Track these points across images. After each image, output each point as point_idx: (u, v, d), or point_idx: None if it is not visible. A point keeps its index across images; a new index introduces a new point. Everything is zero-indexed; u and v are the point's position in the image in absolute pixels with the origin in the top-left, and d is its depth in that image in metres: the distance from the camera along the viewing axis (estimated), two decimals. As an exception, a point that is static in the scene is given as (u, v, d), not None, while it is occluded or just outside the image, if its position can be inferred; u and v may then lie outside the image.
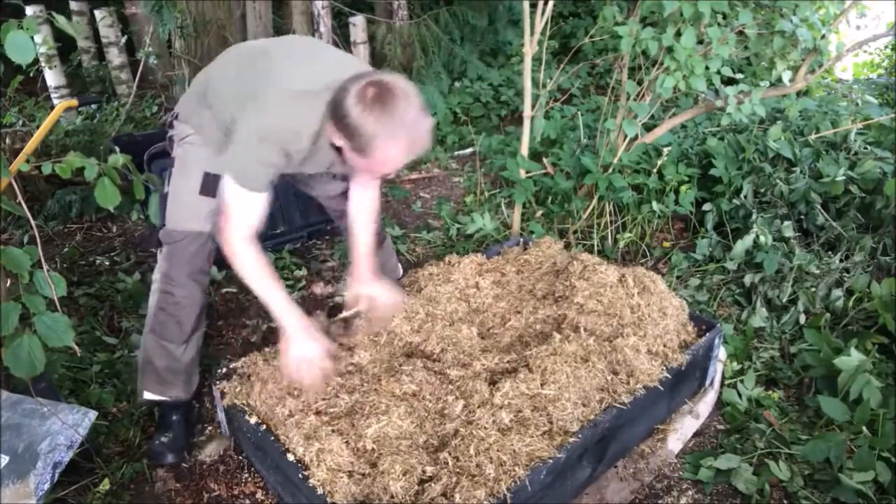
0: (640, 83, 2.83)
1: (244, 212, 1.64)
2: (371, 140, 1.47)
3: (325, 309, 2.14)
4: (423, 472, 1.55)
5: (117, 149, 2.66)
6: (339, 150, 1.62)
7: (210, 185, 1.77)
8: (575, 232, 3.02)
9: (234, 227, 1.65)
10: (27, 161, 1.52)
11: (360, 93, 1.46)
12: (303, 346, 1.73)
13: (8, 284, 1.64)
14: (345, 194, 2.04)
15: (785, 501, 1.78)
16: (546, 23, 2.72)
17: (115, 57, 5.30)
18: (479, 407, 1.72)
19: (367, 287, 1.98)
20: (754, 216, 2.77)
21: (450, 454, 1.58)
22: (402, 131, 1.48)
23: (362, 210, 1.99)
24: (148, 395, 1.92)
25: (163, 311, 1.84)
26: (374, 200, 2.00)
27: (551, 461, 1.55)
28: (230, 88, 1.73)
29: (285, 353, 1.74)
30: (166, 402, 1.93)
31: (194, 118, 1.81)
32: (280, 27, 5.12)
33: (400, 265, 2.51)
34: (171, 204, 1.82)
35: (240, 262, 1.68)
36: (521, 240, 2.57)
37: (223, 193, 1.65)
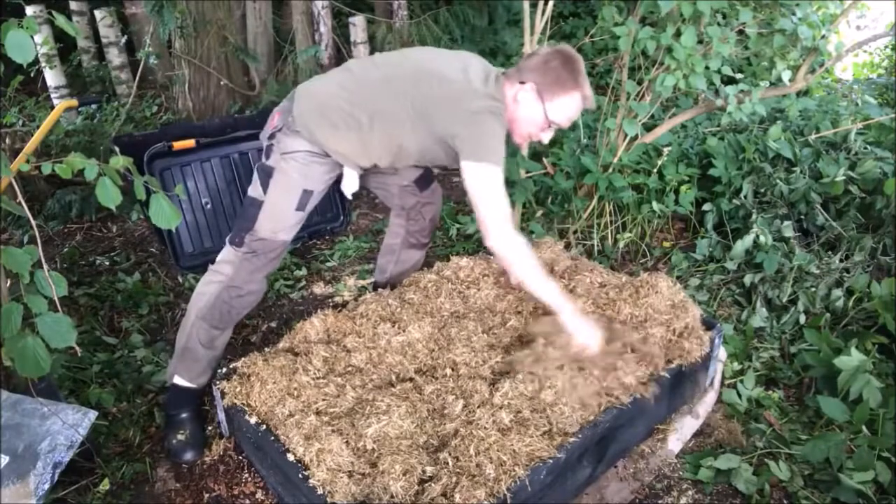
0: (640, 83, 2.83)
1: (499, 192, 1.75)
2: (559, 83, 1.78)
3: (328, 308, 2.14)
4: (423, 471, 1.55)
5: (117, 149, 2.67)
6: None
7: (304, 201, 1.90)
8: (575, 232, 3.02)
9: (499, 214, 1.74)
10: (27, 161, 1.51)
11: (549, 53, 1.80)
12: (589, 329, 1.81)
13: (8, 284, 1.64)
14: (418, 182, 2.20)
15: (785, 501, 1.78)
16: (546, 23, 2.72)
17: (115, 57, 5.31)
18: (479, 407, 1.72)
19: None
20: (754, 216, 2.77)
21: (450, 454, 1.58)
22: (583, 84, 1.79)
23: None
24: (178, 381, 1.97)
25: (225, 303, 1.91)
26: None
27: (551, 461, 1.55)
28: (408, 112, 1.81)
29: (581, 336, 1.79)
30: (190, 390, 1.98)
31: (318, 134, 1.84)
32: (280, 27, 5.13)
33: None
34: (268, 214, 1.88)
35: (515, 254, 1.77)
36: (521, 240, 2.57)
37: (474, 187, 1.75)
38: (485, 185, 1.74)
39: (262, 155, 1.94)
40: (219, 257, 1.96)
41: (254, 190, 1.92)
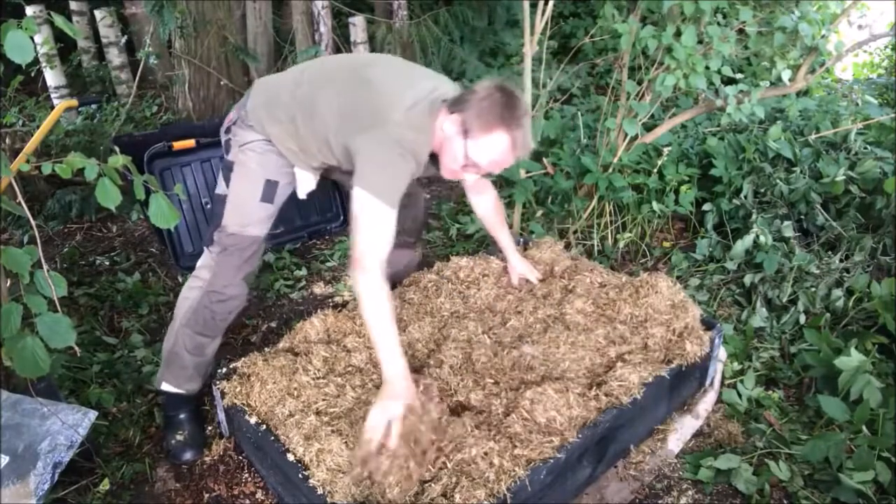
0: (640, 83, 2.83)
1: (381, 230, 1.62)
2: (483, 120, 1.62)
3: (328, 308, 2.14)
4: (423, 472, 1.55)
5: (117, 149, 2.67)
6: (433, 157, 1.77)
7: (269, 192, 1.85)
8: (575, 232, 3.02)
9: (373, 249, 1.60)
10: (27, 161, 1.51)
11: (490, 88, 1.65)
12: (395, 405, 1.53)
13: (8, 284, 1.64)
14: None
15: (785, 501, 1.78)
16: (546, 23, 2.72)
17: (115, 57, 5.30)
18: (479, 406, 1.72)
19: (527, 269, 2.26)
20: (754, 216, 2.77)
21: (450, 454, 1.58)
22: (516, 128, 1.63)
23: (490, 211, 2.19)
24: (166, 387, 1.95)
25: (207, 308, 1.88)
26: (494, 199, 2.18)
27: (551, 461, 1.55)
28: (333, 112, 1.74)
29: (374, 408, 1.54)
30: (181, 394, 1.96)
31: (268, 128, 1.82)
32: (280, 27, 5.13)
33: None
34: (232, 208, 1.85)
35: (370, 292, 1.58)
36: (522, 240, 2.57)
37: (358, 215, 1.62)
38: (370, 218, 1.61)
39: (223, 151, 1.92)
40: (198, 263, 1.94)
41: (219, 188, 1.90)
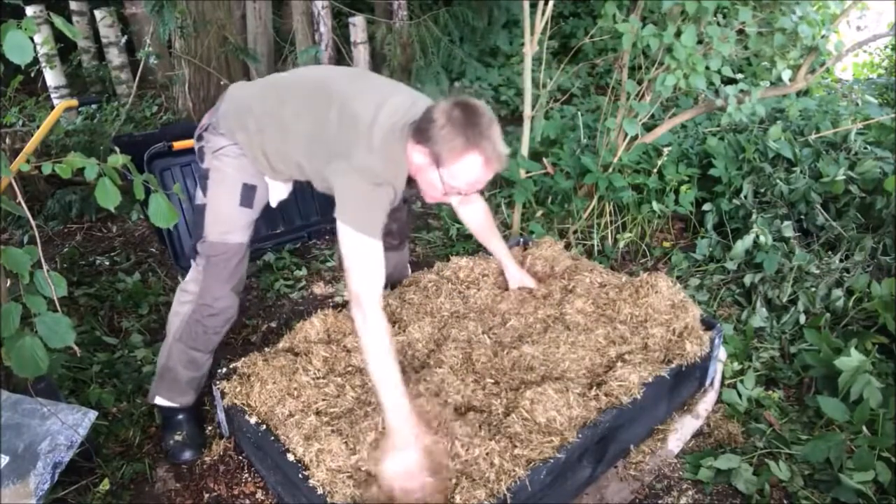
0: (640, 83, 2.83)
1: (371, 264, 1.59)
2: (451, 147, 1.54)
3: (328, 308, 2.14)
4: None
5: (117, 149, 2.67)
6: (410, 180, 1.70)
7: (248, 197, 1.80)
8: (575, 232, 3.02)
9: (368, 288, 1.57)
10: (27, 161, 1.51)
11: (447, 111, 1.55)
12: (408, 456, 1.49)
13: (8, 284, 1.64)
14: None
15: (785, 501, 1.78)
16: (546, 23, 2.72)
17: (115, 57, 5.30)
18: (479, 407, 1.72)
19: (524, 278, 2.24)
20: (754, 216, 2.77)
21: (450, 454, 1.58)
22: (485, 144, 1.55)
23: (480, 222, 2.15)
24: (160, 401, 1.94)
25: (199, 322, 1.84)
26: (484, 210, 2.14)
27: (551, 461, 1.55)
28: (303, 134, 1.70)
29: (389, 459, 1.50)
30: (174, 408, 1.95)
31: (237, 136, 1.78)
32: (280, 27, 5.13)
33: (409, 266, 2.54)
34: (212, 216, 1.81)
35: (370, 332, 1.55)
36: (522, 240, 2.57)
37: (346, 252, 1.59)
38: (358, 254, 1.59)
39: (197, 159, 1.87)
40: (186, 277, 1.91)
41: (198, 197, 1.85)
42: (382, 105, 1.65)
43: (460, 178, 1.60)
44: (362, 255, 1.59)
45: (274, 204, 1.91)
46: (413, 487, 1.46)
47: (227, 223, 1.80)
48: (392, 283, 2.34)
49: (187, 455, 1.91)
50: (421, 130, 1.58)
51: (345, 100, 1.67)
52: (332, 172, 1.64)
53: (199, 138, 1.85)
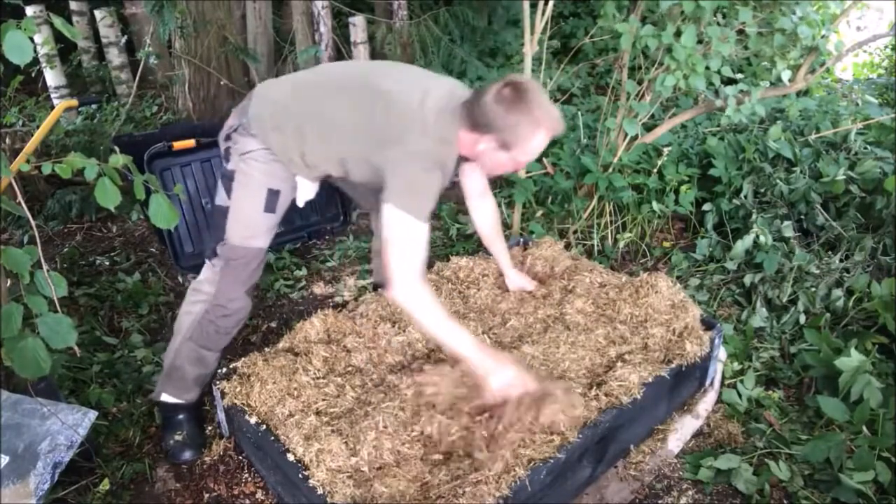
0: (640, 83, 2.83)
1: (415, 246, 1.61)
2: (518, 132, 1.62)
3: (329, 307, 2.14)
4: (424, 472, 1.55)
5: (117, 149, 2.67)
6: (463, 158, 1.75)
7: (272, 202, 1.79)
8: (575, 232, 3.02)
9: (409, 266, 1.60)
10: (27, 161, 1.51)
11: (497, 95, 1.60)
12: (503, 375, 1.62)
13: (8, 284, 1.64)
14: None
15: (785, 501, 1.78)
16: (546, 23, 2.72)
17: (115, 57, 5.30)
18: (479, 406, 1.72)
19: (523, 281, 2.23)
20: (754, 216, 2.77)
21: (451, 454, 1.58)
22: (543, 118, 1.62)
23: (490, 223, 2.16)
24: (165, 398, 1.94)
25: (211, 322, 1.84)
26: (494, 208, 2.15)
27: (551, 461, 1.55)
28: (350, 127, 1.71)
29: (490, 389, 1.62)
30: (179, 404, 1.95)
31: (270, 137, 1.75)
32: (280, 27, 5.13)
33: None
34: (235, 220, 1.80)
35: (419, 306, 1.61)
36: (522, 240, 2.57)
37: (390, 232, 1.61)
38: (403, 236, 1.61)
39: (222, 159, 1.85)
40: (200, 276, 1.90)
41: (219, 198, 1.84)
42: (427, 91, 1.69)
43: (529, 154, 1.69)
44: (409, 237, 1.61)
45: (301, 204, 1.90)
46: (528, 389, 1.60)
47: (251, 228, 1.80)
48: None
49: (187, 455, 1.91)
50: (478, 119, 1.63)
51: (389, 90, 1.69)
52: (385, 159, 1.65)
53: (227, 138, 1.82)
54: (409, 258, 1.60)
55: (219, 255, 1.82)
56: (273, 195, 1.79)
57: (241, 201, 1.79)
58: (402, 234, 1.60)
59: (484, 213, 2.16)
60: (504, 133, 1.62)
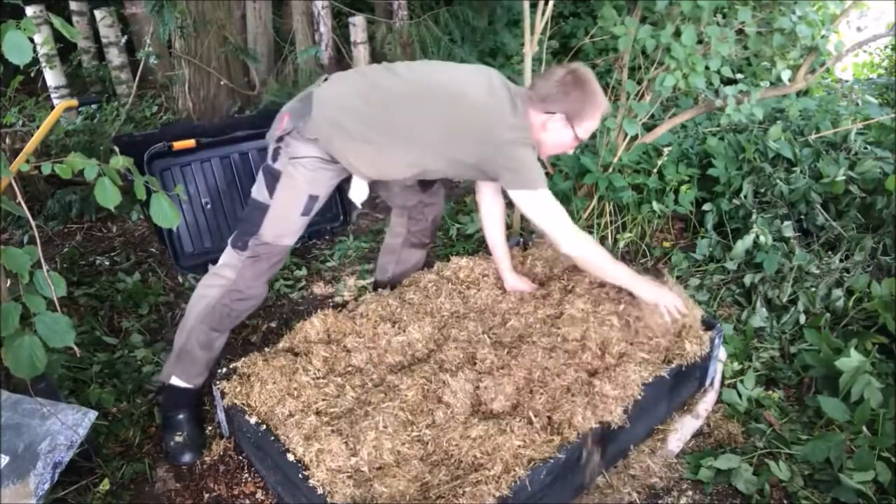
0: (639, 83, 2.83)
1: (556, 208, 1.87)
2: (585, 112, 1.87)
3: (329, 307, 2.14)
4: (423, 471, 1.55)
5: (117, 149, 2.66)
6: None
7: (310, 207, 1.90)
8: (575, 232, 3.02)
9: (567, 226, 1.88)
10: (27, 161, 1.51)
11: (568, 80, 1.85)
12: (663, 294, 1.96)
13: (8, 284, 1.64)
14: (421, 181, 2.18)
15: (785, 501, 1.78)
16: (546, 23, 2.72)
17: (115, 57, 5.30)
18: (479, 407, 1.72)
19: (521, 283, 2.26)
20: (754, 216, 2.77)
21: (450, 454, 1.58)
22: (602, 101, 1.89)
23: (495, 221, 2.23)
24: (175, 381, 1.97)
25: (226, 306, 1.90)
26: (501, 208, 2.24)
27: (551, 461, 1.55)
28: (438, 134, 1.83)
29: (656, 304, 1.95)
30: (187, 390, 1.97)
31: (337, 144, 1.82)
32: (280, 27, 5.13)
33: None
34: (273, 219, 1.87)
35: (593, 254, 1.92)
36: (521, 240, 2.57)
37: (535, 210, 1.87)
38: (545, 208, 1.86)
39: (269, 157, 1.89)
40: (221, 260, 1.95)
41: (259, 193, 1.89)
42: (491, 84, 1.88)
43: (589, 132, 1.93)
44: (550, 205, 1.87)
45: (359, 204, 2.01)
46: (675, 301, 1.95)
47: (286, 228, 1.89)
48: (393, 284, 2.35)
49: (187, 457, 1.92)
50: (547, 101, 1.86)
51: (464, 94, 1.85)
52: (484, 154, 1.84)
53: (279, 140, 1.87)
54: (560, 221, 1.88)
55: (249, 247, 1.88)
56: (312, 200, 1.89)
57: (283, 203, 1.87)
58: (545, 208, 1.87)
59: (492, 209, 2.21)
60: (574, 108, 1.85)
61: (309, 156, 1.84)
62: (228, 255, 1.93)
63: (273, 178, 1.86)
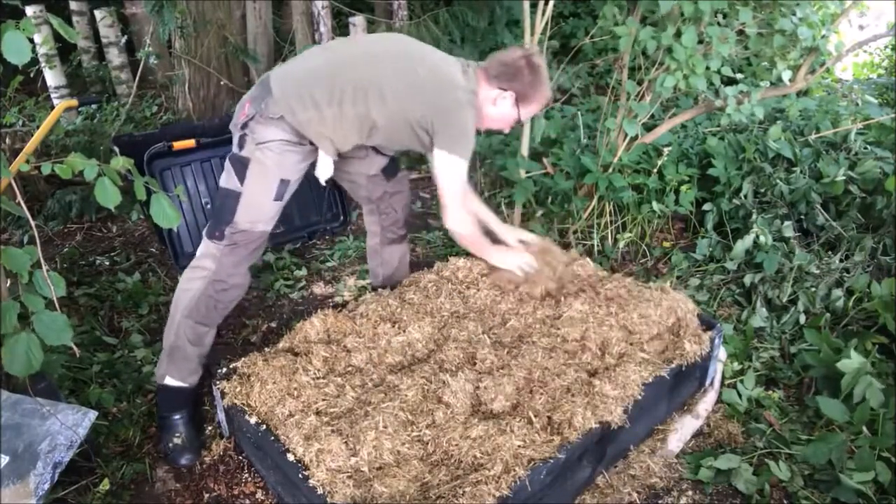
0: (640, 83, 2.83)
1: (459, 180, 1.95)
2: (537, 95, 1.98)
3: (329, 307, 2.14)
4: (423, 471, 1.55)
5: (117, 149, 2.67)
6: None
7: (281, 191, 1.91)
8: (575, 232, 3.02)
9: (457, 197, 1.98)
10: (27, 161, 1.51)
11: (527, 62, 1.93)
12: (516, 256, 2.20)
13: (8, 284, 1.64)
14: (385, 170, 2.25)
15: (785, 501, 1.78)
16: (546, 23, 2.72)
17: (115, 57, 5.30)
18: (479, 407, 1.72)
19: (521, 234, 2.38)
20: (754, 216, 2.77)
21: (450, 454, 1.58)
22: (548, 91, 2.02)
23: (483, 215, 2.33)
24: (170, 381, 1.96)
25: (211, 297, 1.91)
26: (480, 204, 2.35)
27: (551, 461, 1.55)
28: (399, 91, 1.87)
29: (509, 266, 2.18)
30: (182, 389, 1.96)
31: (300, 114, 1.84)
32: (280, 27, 5.13)
33: (408, 266, 2.54)
34: (245, 206, 1.88)
35: (466, 230, 2.09)
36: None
37: (441, 172, 1.94)
38: (453, 175, 1.94)
39: (235, 146, 1.92)
40: (198, 253, 1.95)
41: (228, 182, 1.91)
42: (445, 55, 1.99)
43: (530, 114, 2.06)
44: (455, 174, 1.94)
45: (323, 181, 2.01)
46: (526, 260, 2.18)
47: (260, 214, 1.91)
48: (392, 283, 2.35)
49: (185, 459, 1.91)
50: (502, 77, 1.94)
51: (420, 53, 1.93)
52: (428, 114, 1.88)
53: (244, 127, 1.89)
54: (456, 190, 1.97)
55: (225, 236, 1.89)
56: (283, 185, 1.91)
57: (254, 189, 1.89)
58: (453, 175, 1.94)
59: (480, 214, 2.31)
60: (524, 89, 1.94)
61: (275, 139, 1.86)
62: (206, 247, 1.93)
63: (242, 166, 1.88)
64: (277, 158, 1.87)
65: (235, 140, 1.92)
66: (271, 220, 1.94)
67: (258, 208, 1.89)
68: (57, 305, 1.36)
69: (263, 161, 1.87)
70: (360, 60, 1.90)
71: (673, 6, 2.48)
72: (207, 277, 1.90)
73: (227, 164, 1.92)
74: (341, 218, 3.33)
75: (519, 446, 1.58)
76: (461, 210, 2.03)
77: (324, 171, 1.98)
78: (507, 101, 1.97)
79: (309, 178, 2.03)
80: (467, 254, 2.53)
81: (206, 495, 1.83)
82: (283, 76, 1.90)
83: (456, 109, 1.89)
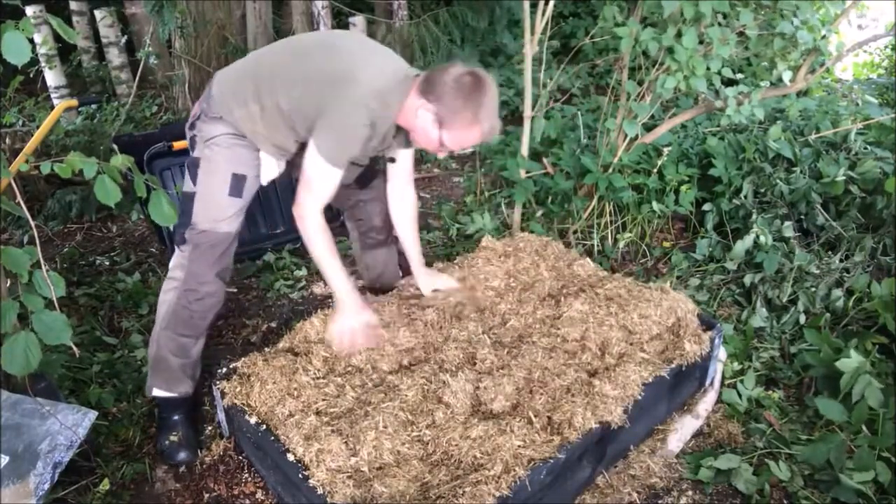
0: (640, 83, 2.83)
1: (324, 186, 1.79)
2: (457, 119, 1.71)
3: (326, 308, 2.14)
4: (423, 471, 1.55)
5: (117, 149, 2.66)
6: (399, 129, 1.86)
7: (237, 187, 1.84)
8: (575, 232, 3.02)
9: (314, 199, 1.80)
10: (27, 161, 1.52)
11: (459, 76, 1.70)
12: (350, 317, 1.90)
13: (8, 284, 1.64)
14: (358, 180, 2.15)
15: (785, 501, 1.78)
16: (546, 23, 2.72)
17: (115, 57, 5.30)
18: (479, 407, 1.72)
19: (438, 281, 2.19)
20: (754, 216, 2.77)
21: (450, 454, 1.58)
22: (484, 119, 1.73)
23: (406, 212, 2.18)
24: (157, 393, 1.94)
25: (185, 308, 1.86)
26: (413, 201, 2.18)
27: (551, 461, 1.55)
28: (300, 80, 1.76)
29: (334, 322, 1.92)
30: (174, 398, 1.95)
31: (235, 112, 1.81)
32: (280, 27, 5.13)
33: (399, 270, 2.50)
34: (201, 205, 1.84)
35: (311, 231, 1.83)
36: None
37: (308, 167, 1.76)
38: (315, 177, 1.78)
39: (189, 149, 1.91)
40: (170, 265, 1.92)
41: (187, 186, 1.89)
42: (385, 57, 1.83)
43: (457, 143, 1.78)
44: (320, 177, 1.78)
45: (265, 182, 1.94)
46: (351, 342, 1.89)
47: (218, 212, 1.84)
48: (384, 287, 2.34)
49: (182, 456, 1.90)
50: (430, 89, 1.72)
51: (336, 45, 1.80)
52: (323, 103, 1.73)
53: (192, 127, 1.89)
54: (315, 196, 1.80)
55: (187, 240, 1.85)
56: (238, 180, 1.84)
57: (207, 186, 1.84)
58: (316, 175, 1.77)
59: (404, 204, 2.17)
60: (446, 111, 1.71)
61: (220, 133, 1.83)
62: (175, 257, 1.91)
63: (194, 167, 1.86)
64: (227, 153, 1.83)
65: (188, 142, 1.91)
66: (234, 220, 1.86)
67: (215, 205, 1.83)
68: (56, 305, 1.36)
69: (212, 157, 1.83)
70: (288, 54, 1.85)
71: (675, 7, 2.48)
72: (178, 287, 1.87)
73: (185, 170, 1.90)
74: (340, 218, 3.32)
75: (519, 446, 1.58)
76: (315, 211, 1.82)
77: (266, 173, 1.92)
78: (427, 116, 1.73)
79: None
80: (468, 253, 2.53)
81: (206, 495, 1.83)
82: (223, 75, 1.89)
83: (346, 109, 1.71)
